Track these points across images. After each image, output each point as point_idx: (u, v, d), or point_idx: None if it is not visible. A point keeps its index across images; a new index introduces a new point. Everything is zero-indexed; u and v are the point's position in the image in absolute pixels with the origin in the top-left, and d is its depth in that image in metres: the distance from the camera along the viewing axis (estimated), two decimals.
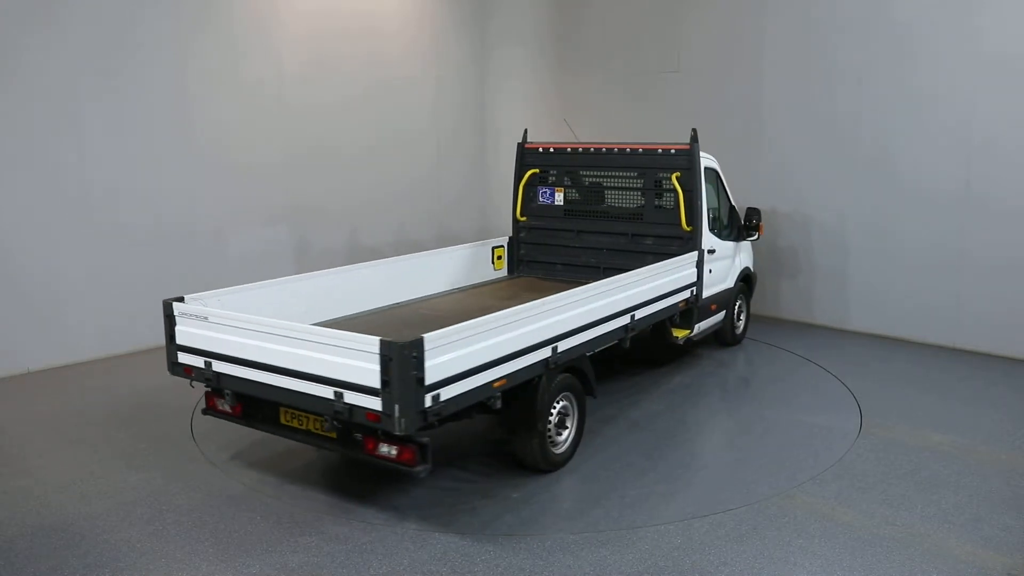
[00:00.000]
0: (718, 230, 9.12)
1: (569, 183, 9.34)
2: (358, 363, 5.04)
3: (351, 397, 5.13)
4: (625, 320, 7.22)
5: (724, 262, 9.30)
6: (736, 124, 11.26)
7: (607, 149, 8.92)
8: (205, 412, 6.39)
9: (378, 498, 6.13)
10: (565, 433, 6.56)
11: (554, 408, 6.36)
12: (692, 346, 9.73)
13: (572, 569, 5.17)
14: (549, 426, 6.32)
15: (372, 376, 4.98)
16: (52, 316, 9.10)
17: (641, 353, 9.04)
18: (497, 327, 5.57)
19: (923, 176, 9.86)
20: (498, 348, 5.58)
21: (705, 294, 8.73)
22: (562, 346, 6.24)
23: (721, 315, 9.44)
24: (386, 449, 5.34)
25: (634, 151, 8.77)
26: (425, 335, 4.96)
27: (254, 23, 10.48)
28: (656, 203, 8.77)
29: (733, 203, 9.56)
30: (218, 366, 5.89)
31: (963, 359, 9.50)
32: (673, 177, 8.45)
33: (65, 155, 9.03)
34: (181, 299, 6.20)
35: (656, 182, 8.70)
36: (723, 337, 9.83)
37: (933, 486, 6.29)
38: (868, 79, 10.16)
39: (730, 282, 9.54)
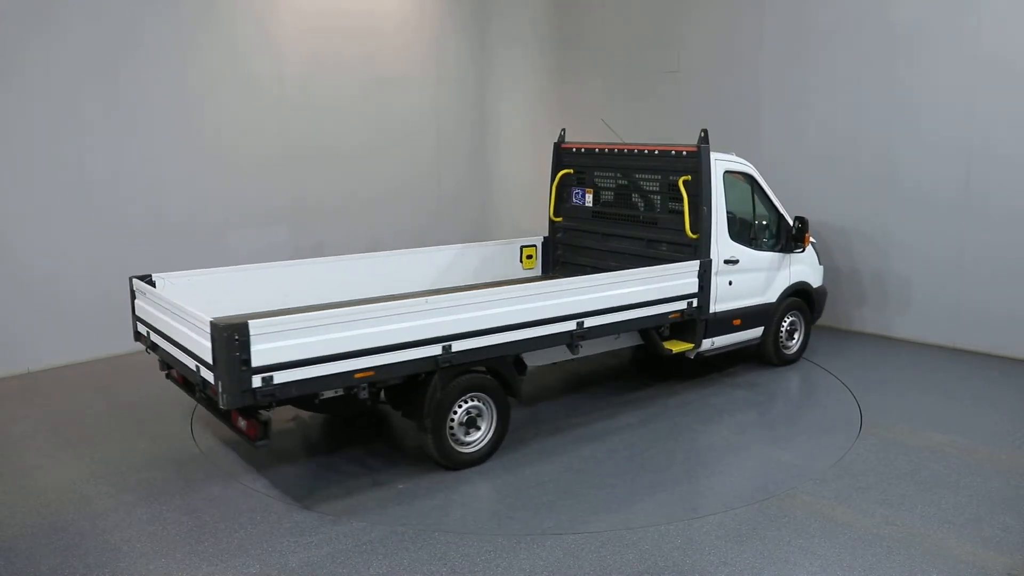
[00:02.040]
0: (757, 240, 8.63)
1: (595, 185, 9.10)
2: (202, 341, 5.50)
3: (204, 371, 5.58)
4: (568, 326, 6.95)
5: (757, 274, 8.59)
6: (735, 124, 11.25)
7: (628, 151, 8.62)
8: (168, 376, 6.97)
9: (379, 498, 6.13)
10: (477, 434, 6.59)
11: (459, 407, 6.43)
12: (727, 363, 9.14)
13: (572, 569, 5.17)
14: (452, 425, 6.41)
15: (208, 353, 5.43)
16: (53, 316, 9.10)
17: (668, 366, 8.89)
18: (346, 320, 5.73)
19: (922, 176, 9.85)
20: (355, 340, 5.73)
21: (723, 307, 8.23)
22: (459, 345, 6.23)
23: (752, 332, 8.69)
24: (242, 422, 5.76)
25: (650, 153, 8.39)
26: (251, 321, 5.30)
27: (255, 22, 10.48)
28: (670, 208, 8.34)
29: (784, 212, 8.82)
30: (153, 336, 6.64)
31: (963, 359, 9.50)
32: (680, 181, 8.04)
33: (67, 154, 9.04)
34: (148, 276, 6.94)
35: (669, 186, 8.29)
36: (766, 356, 9.04)
37: (933, 486, 6.29)
38: (867, 80, 10.16)
39: (770, 297, 8.77)
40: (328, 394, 5.94)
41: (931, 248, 9.88)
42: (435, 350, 6.11)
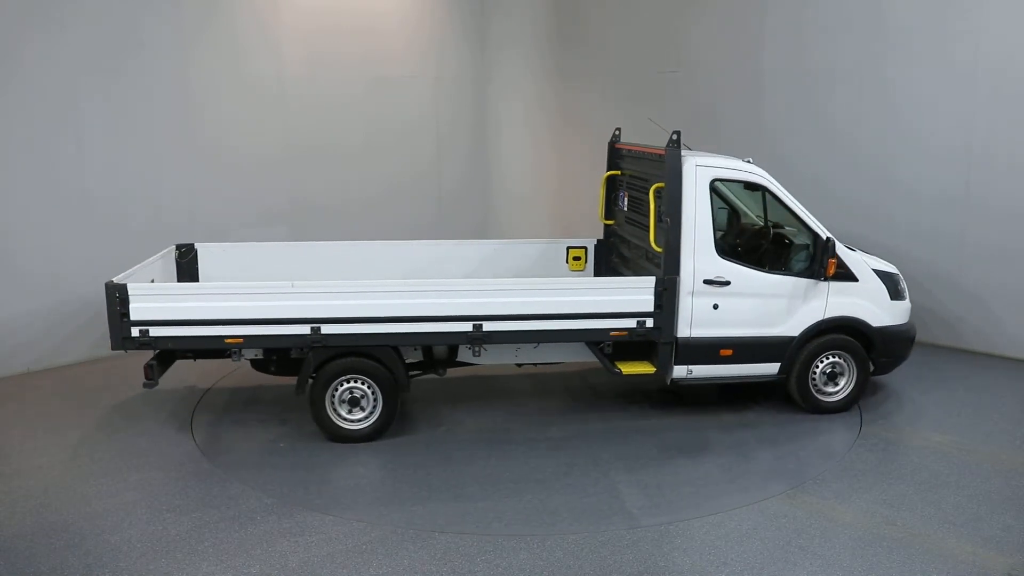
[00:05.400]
0: (770, 260, 7.66)
1: (628, 188, 8.61)
2: None
3: None
4: (463, 327, 6.94)
5: (762, 300, 7.41)
6: (735, 124, 11.24)
7: (642, 153, 8.12)
8: None
9: (379, 498, 6.14)
10: (361, 414, 7.07)
11: (340, 386, 7.00)
12: (750, 393, 8.10)
13: (572, 569, 5.17)
14: (333, 401, 7.02)
15: None
16: (53, 315, 9.11)
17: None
18: (213, 293, 6.86)
19: (922, 177, 9.85)
20: (222, 311, 6.71)
21: (704, 332, 7.29)
22: (329, 329, 6.81)
23: (755, 367, 7.51)
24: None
25: (648, 155, 7.81)
26: (129, 283, 6.68)
27: (255, 21, 10.48)
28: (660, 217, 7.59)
29: (819, 231, 7.50)
30: None
31: (963, 359, 9.50)
32: (652, 188, 7.38)
33: (66, 154, 9.04)
34: (192, 246, 8.48)
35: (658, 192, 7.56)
36: (793, 400, 7.76)
37: (933, 486, 6.30)
38: (867, 81, 10.15)
39: (788, 329, 7.46)
40: (249, 354, 7.16)
41: (930, 246, 9.87)
42: (304, 330, 6.79)
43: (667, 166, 7.12)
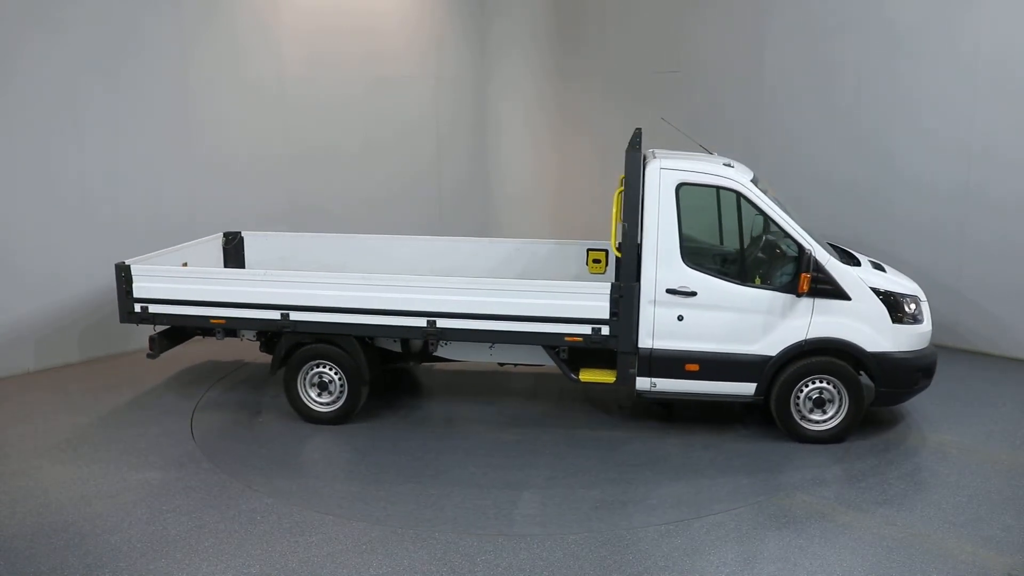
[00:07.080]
0: (747, 271, 7.09)
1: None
2: None
3: None
4: (417, 322, 7.12)
5: (732, 314, 6.88)
6: (736, 125, 11.24)
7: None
8: None
9: (379, 497, 6.14)
10: (328, 398, 7.49)
11: (311, 371, 7.45)
12: (743, 415, 7.67)
13: (572, 569, 5.18)
14: (303, 384, 7.47)
15: None
16: (52, 315, 9.11)
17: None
18: (200, 277, 7.51)
19: (922, 177, 9.85)
20: (207, 294, 7.36)
21: (668, 345, 6.91)
22: (296, 316, 7.26)
23: (726, 385, 6.99)
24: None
25: None
26: (133, 264, 7.47)
27: (255, 21, 10.48)
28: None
29: (804, 241, 6.82)
30: None
31: (963, 359, 9.50)
32: (616, 192, 7.17)
33: (66, 155, 9.04)
34: (238, 233, 9.26)
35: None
36: (778, 424, 7.12)
37: (933, 486, 6.30)
38: (867, 80, 10.16)
39: (763, 348, 6.88)
40: (249, 335, 7.80)
41: (930, 246, 9.86)
42: (275, 315, 7.29)
43: (625, 168, 6.81)
